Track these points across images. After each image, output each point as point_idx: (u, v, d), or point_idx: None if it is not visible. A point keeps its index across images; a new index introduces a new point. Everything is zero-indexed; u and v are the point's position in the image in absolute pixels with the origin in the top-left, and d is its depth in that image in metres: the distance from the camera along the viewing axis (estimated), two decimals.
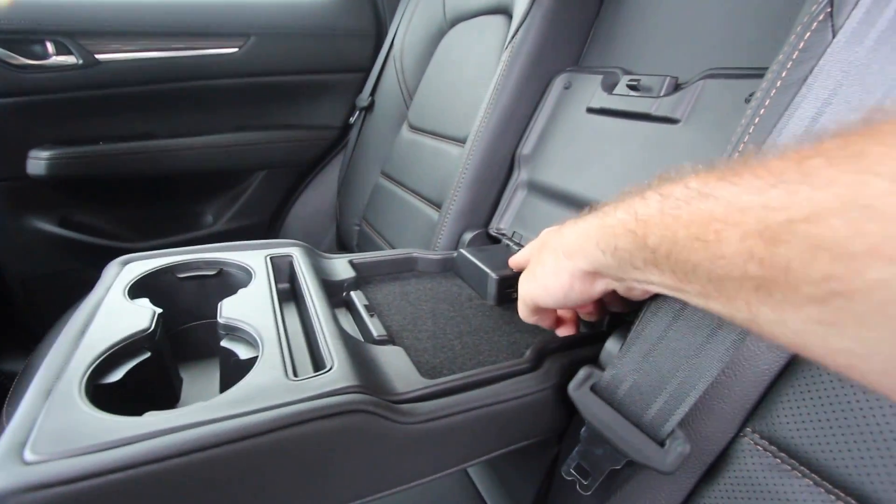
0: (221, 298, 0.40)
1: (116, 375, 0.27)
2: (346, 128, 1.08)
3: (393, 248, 0.77)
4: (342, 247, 1.06)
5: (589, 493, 0.30)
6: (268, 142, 1.03)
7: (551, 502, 0.35)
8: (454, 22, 0.79)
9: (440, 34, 0.83)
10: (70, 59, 0.83)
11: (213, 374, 0.37)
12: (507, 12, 0.65)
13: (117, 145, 0.91)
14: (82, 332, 0.29)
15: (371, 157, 0.94)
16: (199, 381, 0.36)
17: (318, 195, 1.10)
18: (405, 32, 0.91)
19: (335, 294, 0.40)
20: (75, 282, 0.96)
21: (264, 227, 1.09)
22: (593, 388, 0.30)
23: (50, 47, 0.82)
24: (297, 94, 1.03)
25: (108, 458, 0.20)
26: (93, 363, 0.26)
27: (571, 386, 0.31)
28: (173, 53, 0.90)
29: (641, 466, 0.29)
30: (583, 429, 0.31)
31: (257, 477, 0.23)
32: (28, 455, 0.20)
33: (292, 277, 0.42)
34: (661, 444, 0.28)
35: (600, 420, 0.29)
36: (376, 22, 1.03)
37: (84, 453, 0.20)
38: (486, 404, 0.29)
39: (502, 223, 0.55)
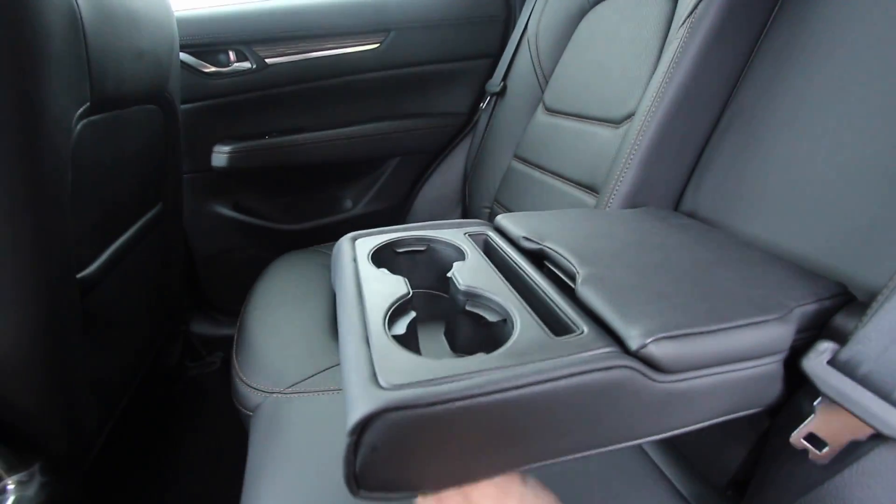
0: (429, 271, 0.45)
1: (401, 329, 0.33)
2: (473, 113, 1.12)
3: None
4: None
5: (825, 462, 0.31)
6: (401, 130, 1.10)
7: (768, 475, 0.36)
8: (598, 0, 0.79)
9: (581, 14, 0.83)
10: (246, 65, 0.96)
11: (435, 336, 0.42)
12: None
13: (278, 139, 1.03)
14: (360, 295, 0.36)
15: (503, 141, 0.96)
16: (425, 342, 0.42)
17: (445, 179, 1.16)
18: (540, 15, 0.91)
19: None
20: (243, 258, 1.12)
21: (396, 210, 1.18)
22: (831, 363, 0.31)
23: (232, 55, 0.95)
24: (428, 82, 1.08)
25: (448, 389, 0.25)
26: (384, 318, 0.32)
27: (808, 360, 0.31)
28: (325, 53, 1.00)
29: (888, 439, 0.29)
30: (817, 401, 0.31)
31: (540, 417, 0.27)
32: (383, 383, 0.26)
33: (489, 252, 0.47)
34: None
35: (842, 394, 0.30)
36: (506, 7, 1.05)
37: (426, 385, 0.25)
38: (736, 359, 0.30)
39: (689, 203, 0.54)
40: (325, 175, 1.14)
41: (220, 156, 1.00)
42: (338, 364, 0.61)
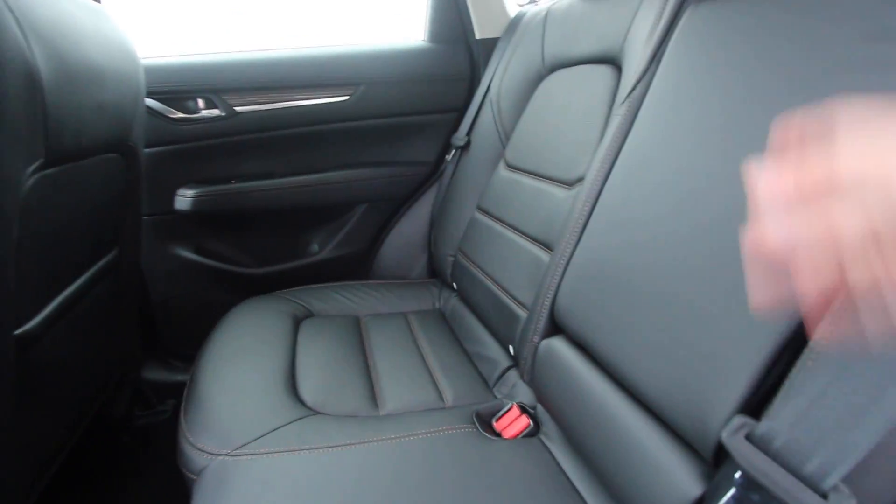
0: None
1: None
2: (439, 163, 1.15)
3: (494, 280, 0.81)
4: (433, 274, 1.13)
5: None
6: (368, 178, 1.12)
7: None
8: (553, 68, 0.85)
9: (538, 79, 0.88)
10: (215, 112, 0.97)
11: None
12: (614, 63, 0.69)
13: (245, 184, 1.04)
14: None
15: (466, 192, 1.00)
16: None
17: (411, 226, 1.18)
18: (502, 76, 0.97)
19: None
20: (205, 301, 1.09)
21: (362, 255, 1.18)
22: (748, 437, 0.33)
23: (200, 103, 0.97)
24: (396, 133, 1.12)
25: None
26: None
27: (725, 433, 0.33)
28: (295, 103, 1.02)
29: None
30: (737, 473, 0.33)
31: None
32: None
33: None
34: (824, 496, 0.29)
35: (756, 468, 0.31)
36: (471, 66, 1.11)
37: None
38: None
39: None
40: (292, 220, 1.15)
41: (184, 199, 1.00)
42: (291, 422, 0.60)
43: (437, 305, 1.01)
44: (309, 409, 0.65)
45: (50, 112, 0.51)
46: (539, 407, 0.66)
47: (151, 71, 0.92)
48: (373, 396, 0.70)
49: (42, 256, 0.57)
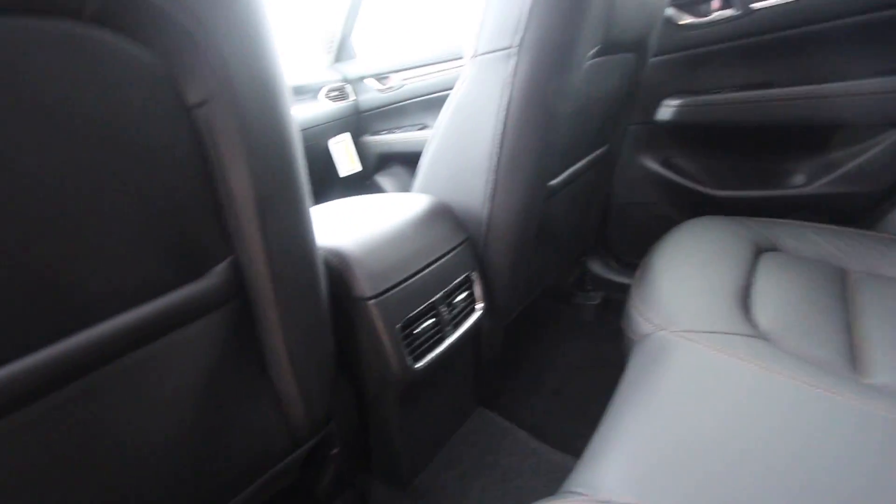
0: None
1: None
2: None
3: None
4: None
5: None
6: None
7: None
8: None
9: None
10: (728, 12, 0.91)
11: None
12: None
13: (734, 94, 0.95)
14: None
15: None
16: None
17: None
18: None
19: None
20: (656, 214, 1.14)
21: (873, 199, 0.89)
22: None
23: (715, 3, 0.92)
24: None
25: None
26: None
27: None
28: None
29: None
30: None
31: None
32: None
33: None
34: None
35: None
36: None
37: None
38: None
39: None
40: (778, 140, 0.98)
41: (668, 109, 1.02)
42: (741, 335, 0.56)
43: None
44: (762, 333, 0.58)
45: (613, 6, 0.61)
46: None
47: None
48: (853, 358, 0.55)
49: (567, 132, 0.73)
